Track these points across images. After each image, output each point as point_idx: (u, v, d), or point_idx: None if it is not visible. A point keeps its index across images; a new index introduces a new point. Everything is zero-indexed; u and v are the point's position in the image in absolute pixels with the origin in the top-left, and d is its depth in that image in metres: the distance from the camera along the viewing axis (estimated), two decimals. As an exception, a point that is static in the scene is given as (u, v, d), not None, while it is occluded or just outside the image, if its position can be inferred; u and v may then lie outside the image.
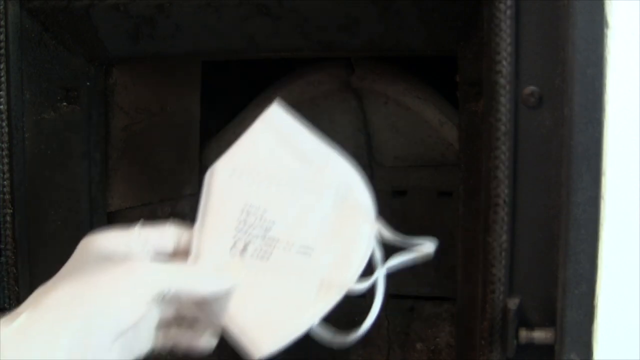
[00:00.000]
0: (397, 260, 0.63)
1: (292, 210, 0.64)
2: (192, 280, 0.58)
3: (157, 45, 0.77)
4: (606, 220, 0.59)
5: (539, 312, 0.61)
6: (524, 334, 0.59)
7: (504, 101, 0.59)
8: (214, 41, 0.76)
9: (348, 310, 1.43)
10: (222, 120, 1.20)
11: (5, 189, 0.76)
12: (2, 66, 0.75)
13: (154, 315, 0.58)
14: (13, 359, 0.48)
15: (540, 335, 0.59)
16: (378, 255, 0.63)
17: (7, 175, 0.76)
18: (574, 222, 0.58)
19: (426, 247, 0.63)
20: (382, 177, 1.29)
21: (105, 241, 0.59)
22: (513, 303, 0.60)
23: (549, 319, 0.60)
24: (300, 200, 0.64)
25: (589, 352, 0.59)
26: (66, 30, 0.79)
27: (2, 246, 0.77)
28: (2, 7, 0.75)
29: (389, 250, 0.63)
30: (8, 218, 0.76)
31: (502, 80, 0.59)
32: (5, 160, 0.76)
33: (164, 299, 0.56)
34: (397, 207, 1.30)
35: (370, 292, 0.63)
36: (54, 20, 0.78)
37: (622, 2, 0.58)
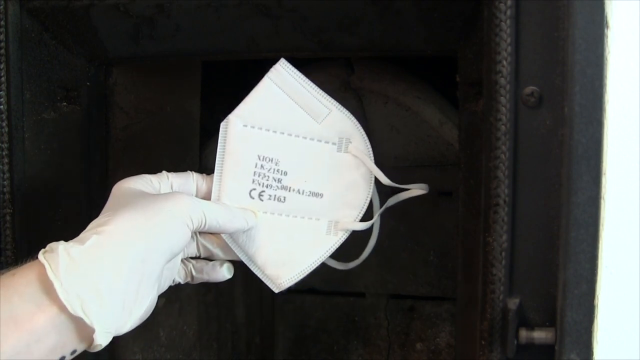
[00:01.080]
0: (393, 201, 0.74)
1: (302, 158, 0.72)
2: (224, 213, 0.66)
3: (157, 45, 0.77)
4: (606, 220, 0.59)
5: (539, 312, 0.61)
6: (524, 334, 0.59)
7: (504, 101, 0.59)
8: (214, 41, 0.76)
9: (348, 310, 1.43)
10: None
11: (5, 189, 0.76)
12: (2, 66, 0.75)
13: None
14: (86, 274, 0.55)
15: (540, 335, 0.59)
16: (376, 198, 0.74)
17: (7, 175, 0.76)
18: (574, 222, 0.58)
19: (419, 187, 0.74)
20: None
21: (139, 182, 0.66)
22: (513, 303, 0.60)
23: (549, 319, 0.60)
24: (309, 149, 0.72)
25: (589, 352, 0.59)
26: (66, 30, 0.79)
27: (2, 246, 0.77)
28: (2, 7, 0.75)
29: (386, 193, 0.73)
30: (8, 218, 0.76)
31: (502, 80, 0.59)
32: (5, 160, 0.76)
33: (199, 229, 0.63)
34: (397, 207, 1.30)
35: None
36: (54, 20, 0.78)
37: (622, 2, 0.58)
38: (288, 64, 0.71)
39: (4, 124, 0.76)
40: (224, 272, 0.72)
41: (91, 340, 0.55)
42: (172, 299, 1.04)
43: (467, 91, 0.69)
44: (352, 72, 1.08)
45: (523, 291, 0.61)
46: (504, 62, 0.59)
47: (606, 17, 0.58)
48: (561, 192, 0.59)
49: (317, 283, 1.36)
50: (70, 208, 0.84)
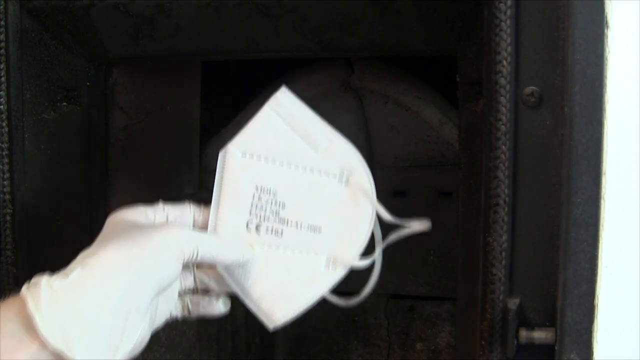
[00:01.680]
0: (394, 237, 0.69)
1: (301, 191, 0.69)
2: (219, 245, 0.64)
3: (157, 45, 0.77)
4: (606, 220, 0.59)
5: (539, 312, 0.61)
6: (524, 334, 0.59)
7: (504, 101, 0.59)
8: (214, 41, 0.76)
9: (348, 310, 1.43)
10: (222, 120, 1.20)
11: (5, 189, 0.76)
12: (2, 66, 0.75)
13: (178, 281, 0.64)
14: (70, 307, 0.52)
15: (540, 335, 0.59)
16: (378, 234, 0.70)
17: (7, 175, 0.76)
18: (574, 222, 0.58)
19: (420, 224, 0.69)
20: (382, 177, 1.28)
21: (133, 214, 0.64)
22: (513, 303, 0.60)
23: (549, 319, 0.60)
24: (308, 181, 0.69)
25: (589, 352, 0.59)
26: (66, 30, 0.79)
27: (2, 246, 0.77)
28: (2, 7, 0.75)
29: (387, 228, 0.70)
30: (8, 218, 0.76)
31: (502, 80, 0.59)
32: (5, 160, 0.76)
33: (192, 261, 0.61)
34: (397, 207, 1.30)
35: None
36: (54, 20, 0.78)
37: (622, 2, 0.58)
38: (289, 93, 0.69)
39: (4, 124, 0.76)
40: (220, 306, 0.69)
41: None
42: (172, 299, 1.04)
43: (467, 91, 0.69)
44: (352, 72, 1.08)
45: (523, 291, 0.61)
46: (504, 62, 0.59)
47: (606, 17, 0.58)
48: (561, 192, 0.59)
49: (317, 283, 1.36)
50: (70, 208, 0.84)
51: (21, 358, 0.51)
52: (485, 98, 0.62)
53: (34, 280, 0.55)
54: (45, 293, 0.53)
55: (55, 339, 0.51)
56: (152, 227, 0.61)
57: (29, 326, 0.52)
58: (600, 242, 0.59)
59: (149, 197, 1.01)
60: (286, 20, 0.71)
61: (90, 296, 0.54)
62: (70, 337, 0.52)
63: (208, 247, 0.62)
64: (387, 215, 0.68)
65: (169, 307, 0.66)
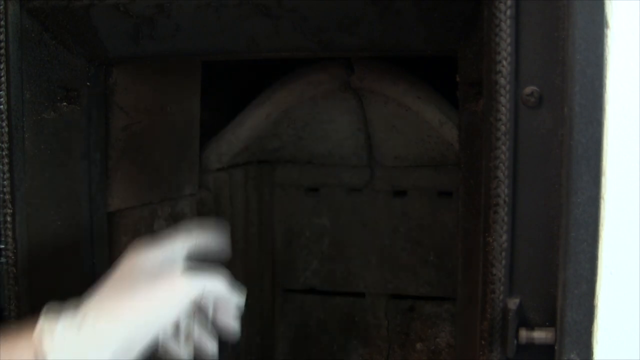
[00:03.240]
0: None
1: None
2: (222, 284, 0.66)
3: (157, 45, 0.77)
4: (606, 220, 0.59)
5: (539, 312, 0.61)
6: (524, 334, 0.59)
7: (504, 101, 0.59)
8: (214, 41, 0.76)
9: (348, 310, 1.43)
10: (222, 120, 1.20)
11: (5, 189, 0.76)
12: (2, 66, 0.75)
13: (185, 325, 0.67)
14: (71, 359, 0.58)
15: (540, 335, 0.59)
16: None
17: (7, 175, 0.76)
18: (574, 222, 0.58)
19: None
20: (382, 177, 1.29)
21: (144, 259, 0.67)
22: (513, 303, 0.60)
23: (549, 319, 0.60)
24: None
25: (589, 352, 0.59)
26: (66, 30, 0.79)
27: (2, 246, 0.77)
28: (2, 7, 0.75)
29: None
30: (8, 218, 0.76)
31: (502, 80, 0.59)
32: (5, 160, 0.76)
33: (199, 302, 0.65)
34: (397, 207, 1.30)
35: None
36: (54, 20, 0.78)
37: (622, 2, 0.58)
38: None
39: (4, 124, 0.76)
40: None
41: None
42: (172, 299, 1.04)
43: (467, 91, 0.69)
44: (352, 72, 1.08)
45: (523, 291, 0.61)
46: (504, 62, 0.59)
47: (606, 17, 0.58)
48: (561, 192, 0.59)
49: (317, 283, 1.36)
50: (70, 208, 0.84)
51: None
52: (485, 98, 0.62)
53: (48, 326, 0.59)
54: (58, 345, 0.58)
55: None
56: (157, 276, 0.65)
57: None
58: (600, 242, 0.59)
59: (149, 197, 1.02)
60: (286, 20, 0.71)
61: (90, 351, 0.59)
62: None
63: (214, 286, 0.65)
64: None
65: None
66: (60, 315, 0.60)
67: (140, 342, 0.61)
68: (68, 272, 0.83)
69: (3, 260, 0.77)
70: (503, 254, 0.60)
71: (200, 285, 0.64)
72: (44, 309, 0.60)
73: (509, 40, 0.59)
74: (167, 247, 0.69)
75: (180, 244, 0.69)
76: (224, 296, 0.66)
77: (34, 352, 0.59)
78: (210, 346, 0.70)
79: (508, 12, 0.59)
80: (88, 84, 0.84)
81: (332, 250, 1.34)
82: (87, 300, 0.63)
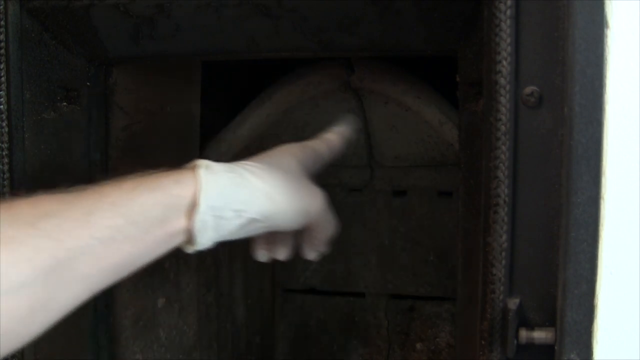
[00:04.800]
0: None
1: None
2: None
3: (157, 45, 0.77)
4: (606, 220, 0.59)
5: (539, 312, 0.61)
6: (524, 334, 0.59)
7: (504, 101, 0.59)
8: (214, 41, 0.76)
9: (348, 310, 1.43)
10: (222, 120, 1.20)
11: (5, 189, 0.76)
12: (2, 66, 0.75)
13: None
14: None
15: (540, 335, 0.59)
16: None
17: (7, 175, 0.76)
18: (574, 222, 0.58)
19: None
20: (382, 177, 1.29)
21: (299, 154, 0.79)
22: (513, 303, 0.60)
23: (549, 319, 0.60)
24: None
25: (589, 352, 0.59)
26: (66, 30, 0.79)
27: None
28: (2, 7, 0.75)
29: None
30: (8, 218, 0.76)
31: (502, 80, 0.59)
32: (5, 160, 0.76)
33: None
34: (397, 207, 1.30)
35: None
36: (54, 20, 0.78)
37: (622, 2, 0.58)
38: None
39: (4, 124, 0.76)
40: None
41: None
42: (172, 299, 1.04)
43: (467, 91, 0.69)
44: (352, 72, 1.08)
45: (523, 291, 0.61)
46: (504, 62, 0.59)
47: (606, 17, 0.58)
48: (561, 192, 0.59)
49: (317, 283, 1.36)
50: (70, 208, 0.84)
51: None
52: (485, 98, 0.62)
53: (207, 164, 0.67)
54: (213, 180, 0.65)
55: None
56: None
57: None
58: (600, 242, 0.59)
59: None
60: (286, 20, 0.72)
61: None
62: None
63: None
64: None
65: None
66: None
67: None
68: (68, 272, 0.83)
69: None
70: (503, 254, 0.60)
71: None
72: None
73: (509, 40, 0.59)
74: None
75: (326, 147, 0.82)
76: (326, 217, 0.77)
77: (192, 178, 0.64)
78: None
79: (508, 12, 0.59)
80: (88, 84, 0.85)
81: (332, 250, 1.34)
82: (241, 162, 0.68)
